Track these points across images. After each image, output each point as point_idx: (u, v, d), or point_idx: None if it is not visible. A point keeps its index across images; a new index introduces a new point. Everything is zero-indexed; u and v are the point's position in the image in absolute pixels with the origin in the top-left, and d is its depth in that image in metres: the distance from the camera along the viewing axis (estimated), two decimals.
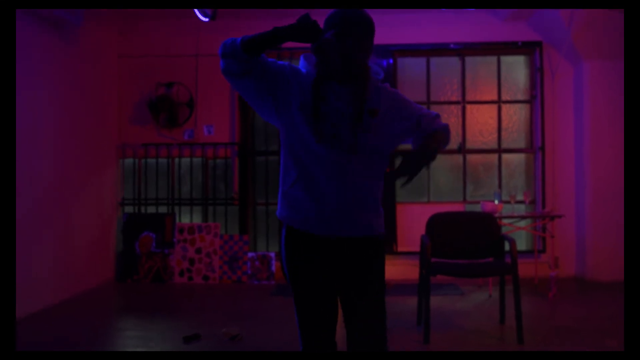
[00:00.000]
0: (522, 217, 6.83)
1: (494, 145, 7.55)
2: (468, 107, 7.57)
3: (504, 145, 7.55)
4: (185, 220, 7.58)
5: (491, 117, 7.58)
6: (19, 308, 5.36)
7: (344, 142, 2.30)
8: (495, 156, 7.56)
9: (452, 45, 7.46)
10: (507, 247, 4.90)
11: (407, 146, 2.54)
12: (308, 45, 2.33)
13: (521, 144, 7.57)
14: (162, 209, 7.57)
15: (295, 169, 2.35)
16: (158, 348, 4.56)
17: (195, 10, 5.49)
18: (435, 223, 5.05)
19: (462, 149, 7.51)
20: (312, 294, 2.41)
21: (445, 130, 2.43)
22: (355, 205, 2.34)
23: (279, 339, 4.76)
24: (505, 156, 7.58)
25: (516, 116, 7.59)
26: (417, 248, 6.33)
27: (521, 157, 7.60)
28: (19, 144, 5.50)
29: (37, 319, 5.44)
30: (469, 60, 7.59)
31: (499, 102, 7.56)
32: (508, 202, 7.12)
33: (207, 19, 5.53)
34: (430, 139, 2.34)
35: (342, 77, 2.34)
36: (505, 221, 6.82)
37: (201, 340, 4.70)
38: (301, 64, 2.47)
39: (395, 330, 4.98)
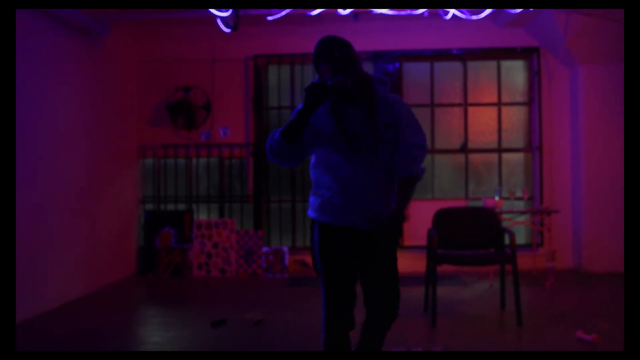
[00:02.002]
0: (521, 213, 7.25)
1: (494, 145, 7.98)
2: (470, 109, 7.99)
3: (504, 145, 7.98)
4: (202, 216, 8.01)
5: (492, 118, 8.00)
6: (52, 299, 5.82)
7: (368, 153, 2.87)
8: (495, 155, 7.99)
9: (454, 51, 7.89)
10: (507, 240, 5.32)
11: None
12: None
13: (520, 143, 8.00)
14: (181, 206, 8.00)
15: (335, 185, 2.92)
16: (186, 332, 4.97)
17: (218, 21, 5.89)
18: (441, 217, 5.47)
19: (464, 149, 7.94)
20: (341, 275, 3.00)
21: (415, 180, 2.99)
22: (378, 207, 2.93)
23: (300, 323, 5.18)
24: (505, 155, 8.00)
25: (515, 117, 8.02)
26: (422, 242, 6.76)
27: (520, 156, 8.03)
28: (57, 146, 5.95)
29: (69, 309, 5.86)
30: (470, 64, 8.01)
31: (499, 104, 7.98)
32: (508, 199, 7.55)
33: (229, 30, 5.94)
34: (402, 207, 2.93)
35: (352, 99, 2.87)
36: (505, 216, 7.23)
37: (227, 325, 5.11)
38: None
39: (404, 315, 5.38)
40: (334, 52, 2.82)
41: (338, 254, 2.98)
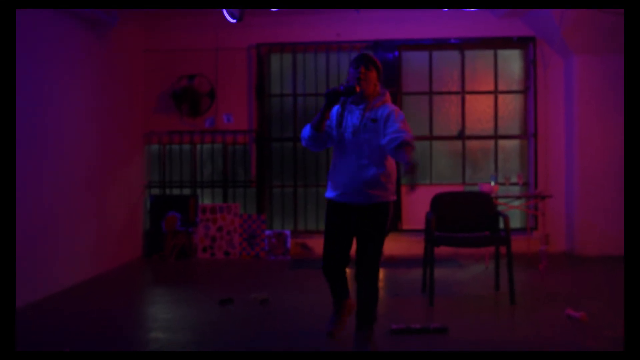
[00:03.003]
0: (517, 197, 7.49)
1: (490, 132, 8.20)
2: (467, 97, 8.21)
3: (500, 132, 8.20)
4: (207, 201, 8.25)
5: (488, 106, 8.22)
6: (62, 281, 6.05)
7: (357, 138, 3.88)
8: (492, 142, 8.21)
9: (452, 40, 8.09)
10: (502, 224, 5.55)
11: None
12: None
13: (516, 130, 8.23)
14: (186, 191, 8.23)
15: (333, 169, 4.04)
16: (195, 310, 5.21)
17: (224, 13, 6.08)
18: (439, 201, 5.70)
19: (461, 136, 8.16)
20: (335, 234, 4.09)
21: (405, 141, 3.70)
22: (363, 186, 3.90)
23: (302, 302, 5.42)
24: (501, 142, 8.23)
25: (511, 105, 8.24)
26: (420, 226, 6.97)
27: (516, 143, 8.26)
28: (67, 132, 6.16)
29: (79, 290, 6.10)
30: (468, 53, 8.22)
31: (495, 92, 8.20)
32: (503, 184, 7.79)
33: (234, 20, 6.12)
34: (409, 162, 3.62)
35: (355, 99, 3.93)
36: (500, 201, 7.47)
37: (234, 304, 5.35)
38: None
39: (403, 295, 5.66)
40: (362, 60, 3.90)
41: (334, 221, 4.06)
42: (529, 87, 8.08)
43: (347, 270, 4.26)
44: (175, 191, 8.25)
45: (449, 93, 8.22)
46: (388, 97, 4.02)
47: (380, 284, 6.26)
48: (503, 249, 5.46)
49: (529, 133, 8.12)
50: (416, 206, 7.86)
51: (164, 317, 5.05)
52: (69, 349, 3.93)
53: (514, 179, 7.97)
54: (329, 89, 3.65)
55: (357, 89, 3.71)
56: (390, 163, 3.97)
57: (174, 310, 5.29)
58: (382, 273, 6.72)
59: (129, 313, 5.25)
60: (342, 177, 3.93)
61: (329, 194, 4.07)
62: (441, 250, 5.70)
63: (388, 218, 3.98)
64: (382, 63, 7.94)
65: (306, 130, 3.83)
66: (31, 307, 5.28)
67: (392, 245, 7.76)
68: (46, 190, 5.78)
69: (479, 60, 8.24)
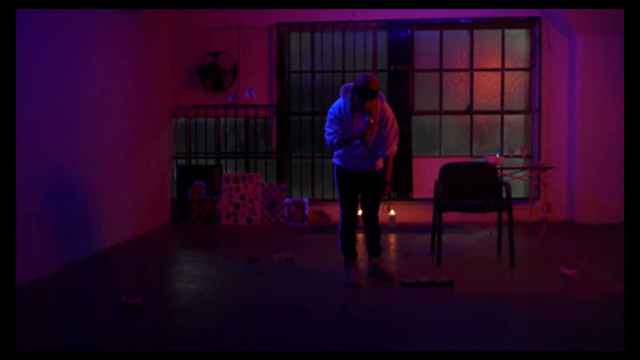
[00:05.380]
0: (521, 169, 8.00)
1: (497, 107, 8.69)
2: (475, 74, 8.69)
3: (506, 107, 8.69)
4: (230, 171, 8.81)
5: (495, 82, 8.70)
6: (107, 240, 6.63)
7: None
8: (498, 117, 8.71)
9: (462, 20, 8.55)
10: (504, 193, 6.05)
11: None
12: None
13: (521, 106, 8.71)
14: (211, 162, 8.80)
15: (345, 148, 5.09)
16: (227, 267, 5.77)
17: None
18: (447, 170, 6.22)
19: (469, 111, 8.65)
20: (349, 192, 5.19)
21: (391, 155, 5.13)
22: (368, 161, 5.12)
23: (321, 261, 5.98)
24: (506, 117, 8.72)
25: (517, 82, 8.71)
26: (430, 195, 7.52)
27: (521, 117, 8.75)
28: (105, 107, 6.69)
29: (121, 249, 6.69)
30: (476, 33, 8.68)
31: (502, 69, 8.67)
32: (508, 156, 8.30)
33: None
34: (385, 182, 5.16)
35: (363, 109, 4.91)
36: (505, 172, 7.98)
37: (261, 262, 5.93)
38: (340, 94, 5.02)
39: (413, 256, 6.22)
40: (367, 96, 4.80)
41: (346, 180, 5.18)
42: (534, 65, 8.54)
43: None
44: (201, 162, 8.81)
45: (458, 70, 8.71)
46: (384, 100, 5.05)
47: (392, 247, 6.83)
48: (506, 216, 5.97)
49: (533, 109, 8.59)
50: (426, 176, 8.39)
51: (198, 273, 5.62)
52: (139, 300, 4.45)
53: (518, 152, 8.47)
54: (363, 131, 4.79)
55: (371, 123, 4.80)
56: None
57: (206, 268, 5.86)
58: (394, 237, 7.28)
59: (167, 270, 5.82)
60: (355, 157, 5.09)
61: (341, 164, 5.19)
62: (448, 217, 6.21)
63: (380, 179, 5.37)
64: (396, 41, 8.48)
65: (334, 145, 5.00)
66: (78, 264, 5.87)
67: (404, 213, 8.33)
68: (87, 160, 6.32)
69: (487, 39, 8.71)
